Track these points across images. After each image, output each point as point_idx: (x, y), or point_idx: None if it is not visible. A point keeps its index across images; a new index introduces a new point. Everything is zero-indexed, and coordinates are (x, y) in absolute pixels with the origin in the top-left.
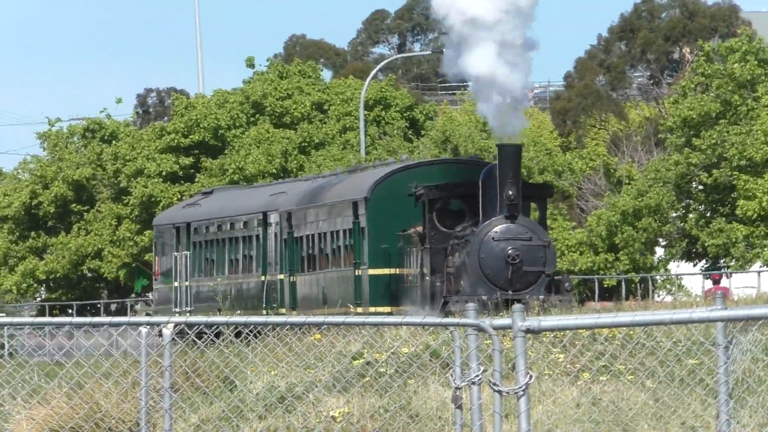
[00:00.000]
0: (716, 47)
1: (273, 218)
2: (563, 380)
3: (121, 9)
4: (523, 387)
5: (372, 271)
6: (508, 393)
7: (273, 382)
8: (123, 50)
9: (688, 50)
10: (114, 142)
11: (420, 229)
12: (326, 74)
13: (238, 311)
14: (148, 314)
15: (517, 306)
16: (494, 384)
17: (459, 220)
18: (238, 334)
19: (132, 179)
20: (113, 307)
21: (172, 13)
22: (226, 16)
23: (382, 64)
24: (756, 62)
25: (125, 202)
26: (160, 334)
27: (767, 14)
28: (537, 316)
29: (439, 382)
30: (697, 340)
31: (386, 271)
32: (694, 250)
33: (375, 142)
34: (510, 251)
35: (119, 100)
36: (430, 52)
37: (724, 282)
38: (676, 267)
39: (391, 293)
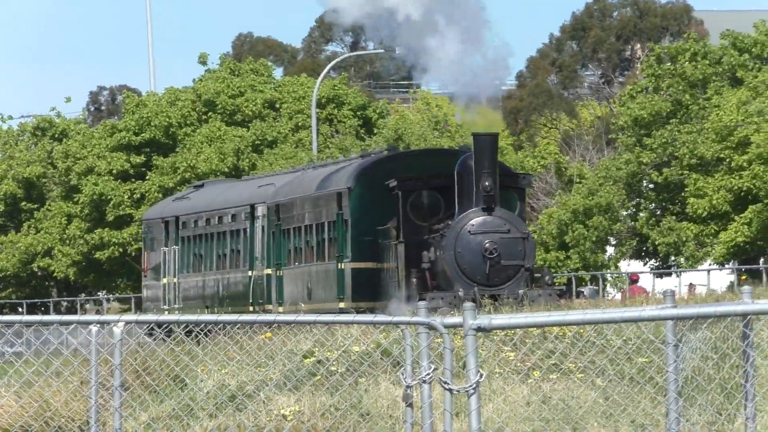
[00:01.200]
0: (666, 49)
1: (260, 210)
2: (514, 378)
3: (72, 7)
4: (474, 385)
5: (354, 265)
6: (458, 391)
7: (223, 380)
8: (74, 48)
9: (640, 49)
10: (65, 140)
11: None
12: (277, 72)
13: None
14: (98, 312)
15: (467, 304)
16: (445, 382)
17: (435, 212)
18: (189, 333)
19: (83, 177)
20: (63, 305)
21: (123, 11)
22: (176, 14)
23: (335, 62)
24: (707, 62)
25: (76, 200)
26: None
27: (719, 13)
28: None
29: (390, 381)
30: (647, 338)
31: (369, 264)
32: (644, 249)
33: (327, 141)
34: (487, 245)
35: (68, 99)
36: (382, 50)
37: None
38: (627, 265)
39: (373, 287)
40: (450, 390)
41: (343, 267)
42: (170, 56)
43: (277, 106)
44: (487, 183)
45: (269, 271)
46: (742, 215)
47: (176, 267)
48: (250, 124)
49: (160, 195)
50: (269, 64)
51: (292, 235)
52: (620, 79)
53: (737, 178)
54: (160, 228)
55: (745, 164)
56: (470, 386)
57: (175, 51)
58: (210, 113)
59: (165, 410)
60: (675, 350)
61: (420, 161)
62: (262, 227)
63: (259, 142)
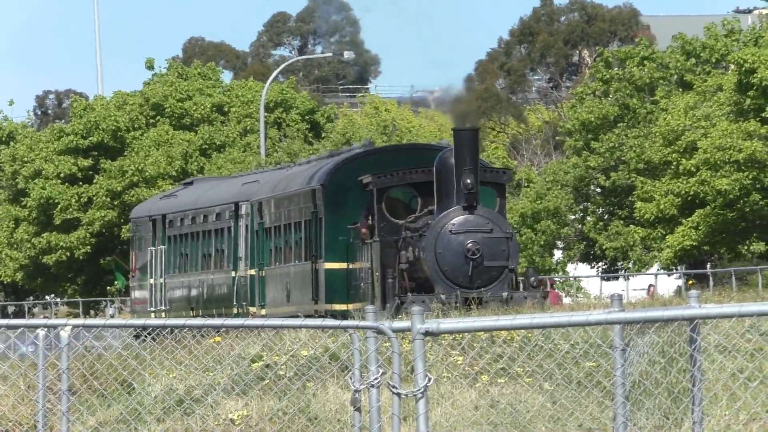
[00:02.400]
0: (614, 53)
1: (244, 209)
2: (462, 382)
3: (19, 10)
4: (422, 389)
5: (328, 265)
6: (406, 395)
7: (171, 384)
8: (21, 51)
9: (588, 54)
10: (12, 143)
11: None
12: (226, 76)
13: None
14: (46, 317)
15: (416, 308)
16: (393, 386)
17: (411, 210)
18: (138, 336)
19: (30, 181)
20: (10, 309)
21: (70, 15)
22: (125, 18)
23: (283, 66)
24: (654, 66)
25: (23, 204)
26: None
27: (665, 18)
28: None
29: (338, 385)
30: (595, 342)
31: (343, 265)
32: (592, 253)
33: (276, 145)
34: (469, 245)
35: (11, 102)
36: (330, 54)
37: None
38: (575, 269)
39: (348, 289)
40: (398, 394)
41: (317, 267)
42: (119, 60)
43: (226, 109)
44: (468, 180)
45: (253, 271)
46: (689, 219)
47: (163, 267)
48: (198, 128)
49: (108, 199)
50: (217, 68)
51: (273, 235)
52: (568, 84)
53: (685, 182)
54: (147, 227)
55: (692, 169)
56: (418, 390)
57: (124, 55)
58: (158, 117)
59: (113, 414)
60: (622, 354)
61: (398, 157)
62: (246, 226)
63: (207, 146)
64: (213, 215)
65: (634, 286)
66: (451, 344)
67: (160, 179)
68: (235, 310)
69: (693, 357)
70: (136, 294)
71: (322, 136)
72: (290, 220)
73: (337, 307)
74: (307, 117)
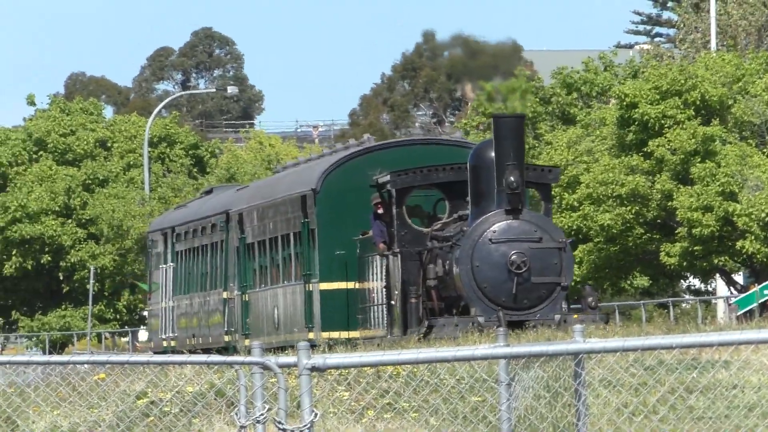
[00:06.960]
0: (497, 86)
1: (235, 220)
2: (348, 418)
3: None
4: (308, 425)
5: (324, 286)
6: (293, 431)
7: (56, 421)
8: None
9: (470, 88)
10: None
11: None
12: (108, 111)
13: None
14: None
15: (302, 344)
16: (279, 422)
17: (436, 215)
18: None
19: None
20: None
21: None
22: (4, 53)
23: (167, 101)
24: (537, 100)
25: None
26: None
27: (548, 53)
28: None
29: (224, 421)
30: (480, 377)
31: (342, 285)
32: None
33: (159, 180)
34: (514, 257)
35: None
36: (214, 90)
37: None
38: None
39: (349, 314)
40: (284, 430)
41: (311, 288)
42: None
43: (109, 144)
44: (512, 178)
45: (239, 293)
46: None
47: (171, 288)
48: (81, 163)
49: None
50: (100, 103)
51: (258, 251)
52: (451, 119)
53: (568, 216)
54: (161, 242)
55: (575, 203)
56: (305, 426)
57: (4, 90)
58: (41, 152)
59: None
60: (508, 389)
61: (406, 155)
62: (237, 239)
63: (90, 181)
64: (209, 227)
65: None
66: (337, 379)
67: (43, 215)
68: (227, 338)
69: (578, 391)
70: (151, 320)
71: (207, 171)
72: (276, 234)
73: (336, 335)
74: (190, 152)
